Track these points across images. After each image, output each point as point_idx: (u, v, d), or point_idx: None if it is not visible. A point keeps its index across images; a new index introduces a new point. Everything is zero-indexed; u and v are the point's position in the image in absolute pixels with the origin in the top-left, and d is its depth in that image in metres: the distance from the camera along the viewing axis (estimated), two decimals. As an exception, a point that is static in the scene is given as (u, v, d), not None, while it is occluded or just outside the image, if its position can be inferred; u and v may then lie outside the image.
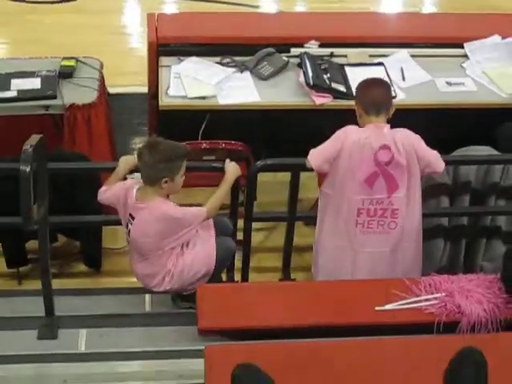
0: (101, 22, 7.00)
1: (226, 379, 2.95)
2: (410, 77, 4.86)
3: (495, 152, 4.34)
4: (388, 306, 3.61)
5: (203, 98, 4.60)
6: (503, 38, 5.10)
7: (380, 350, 3.41)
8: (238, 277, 4.38)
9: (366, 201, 3.87)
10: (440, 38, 5.12)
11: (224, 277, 4.29)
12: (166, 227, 3.77)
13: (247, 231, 4.26)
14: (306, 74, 4.64)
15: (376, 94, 3.85)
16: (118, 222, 3.94)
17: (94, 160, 4.39)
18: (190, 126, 4.56)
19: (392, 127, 3.84)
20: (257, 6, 7.50)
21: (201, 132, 4.59)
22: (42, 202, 3.73)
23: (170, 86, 4.64)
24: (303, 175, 4.12)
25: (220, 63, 4.86)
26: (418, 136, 3.85)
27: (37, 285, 4.03)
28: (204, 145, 4.45)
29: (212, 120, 4.62)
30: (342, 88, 4.66)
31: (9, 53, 6.68)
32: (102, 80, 4.78)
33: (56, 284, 4.08)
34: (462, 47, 5.05)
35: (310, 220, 4.27)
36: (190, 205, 3.89)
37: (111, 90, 5.07)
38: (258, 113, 4.68)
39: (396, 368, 3.32)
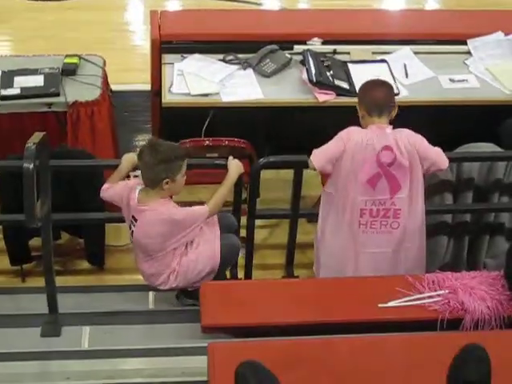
0: (104, 19, 7.00)
1: (229, 376, 2.94)
2: (413, 74, 4.85)
3: (498, 149, 4.34)
4: (391, 303, 3.61)
5: (206, 95, 4.60)
6: (506, 34, 5.09)
7: (384, 346, 3.41)
8: (241, 274, 4.38)
9: (369, 201, 3.87)
10: (443, 35, 5.12)
11: (227, 274, 4.29)
12: (167, 229, 3.74)
13: (250, 228, 4.26)
14: (308, 71, 4.64)
15: (378, 95, 3.84)
16: (121, 219, 3.93)
17: (97, 157, 4.39)
18: (192, 123, 4.56)
19: (395, 124, 3.84)
20: (260, 4, 7.49)
21: (204, 129, 4.59)
22: (45, 200, 3.74)
23: (173, 84, 4.64)
24: (306, 172, 4.11)
25: (223, 60, 4.86)
26: (420, 136, 3.84)
27: (40, 282, 4.04)
28: (207, 142, 4.45)
29: (215, 117, 4.62)
30: (345, 85, 4.66)
31: (12, 50, 6.68)
32: (104, 77, 4.78)
33: (59, 281, 4.08)
34: (465, 44, 5.04)
35: (313, 217, 4.26)
36: (193, 202, 3.89)
37: (114, 88, 5.06)
38: (261, 110, 4.68)
39: (399, 365, 3.32)
